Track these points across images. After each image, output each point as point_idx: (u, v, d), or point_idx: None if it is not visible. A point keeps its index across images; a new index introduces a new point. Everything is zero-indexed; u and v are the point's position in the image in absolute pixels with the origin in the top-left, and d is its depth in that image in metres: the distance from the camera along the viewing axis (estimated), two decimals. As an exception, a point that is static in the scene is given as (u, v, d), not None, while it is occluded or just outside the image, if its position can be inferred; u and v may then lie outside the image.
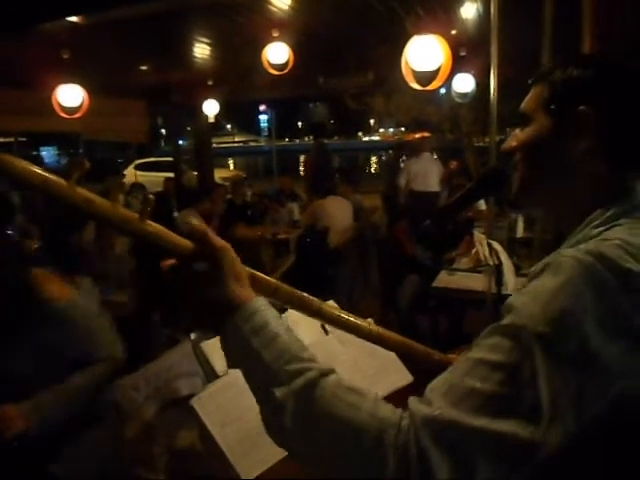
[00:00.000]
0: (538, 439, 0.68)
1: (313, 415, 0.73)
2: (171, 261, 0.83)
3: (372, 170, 29.81)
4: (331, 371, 0.76)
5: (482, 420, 0.68)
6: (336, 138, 42.90)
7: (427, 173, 7.22)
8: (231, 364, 0.81)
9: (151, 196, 7.84)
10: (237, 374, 1.57)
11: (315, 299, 0.99)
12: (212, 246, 0.81)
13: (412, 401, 0.73)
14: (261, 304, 0.81)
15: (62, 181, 0.75)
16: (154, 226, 0.81)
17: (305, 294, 0.97)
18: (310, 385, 0.73)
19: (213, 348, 1.60)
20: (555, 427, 0.68)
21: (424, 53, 3.95)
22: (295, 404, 0.73)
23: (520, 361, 0.70)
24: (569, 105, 0.92)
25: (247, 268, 0.87)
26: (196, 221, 0.88)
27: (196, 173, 10.50)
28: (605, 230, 0.84)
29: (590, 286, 0.72)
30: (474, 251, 1.96)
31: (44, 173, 0.74)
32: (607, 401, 0.71)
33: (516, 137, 0.99)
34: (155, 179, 13.31)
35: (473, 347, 0.76)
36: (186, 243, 0.82)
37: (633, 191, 0.88)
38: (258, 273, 0.90)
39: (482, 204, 4.74)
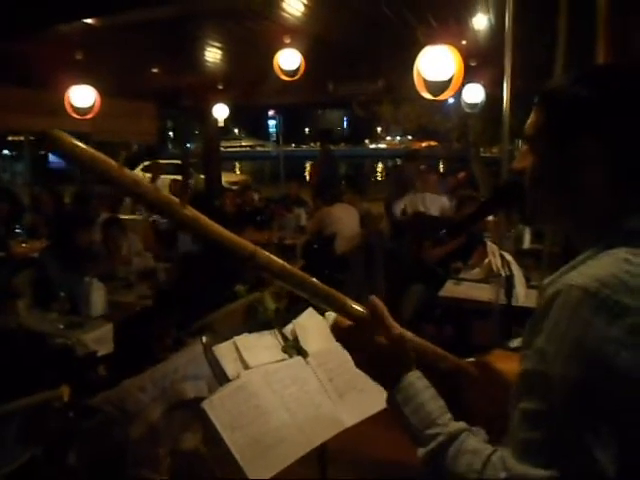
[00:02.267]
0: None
1: (441, 471, 0.89)
2: (348, 322, 1.03)
3: (378, 178, 29.79)
4: (460, 431, 0.90)
5: (538, 471, 0.76)
6: (343, 145, 42.91)
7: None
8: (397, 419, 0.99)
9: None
10: (248, 378, 1.58)
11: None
12: (385, 327, 1.03)
13: (498, 459, 0.83)
14: (413, 378, 0.98)
15: (111, 161, 0.80)
16: (192, 211, 0.88)
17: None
18: (440, 448, 0.90)
19: (225, 351, 1.61)
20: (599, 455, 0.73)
21: (436, 63, 3.96)
22: (431, 462, 0.91)
23: (552, 408, 0.76)
24: (569, 135, 0.89)
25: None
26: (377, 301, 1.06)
27: (203, 176, 10.51)
28: (604, 255, 0.84)
29: (597, 311, 0.75)
30: (487, 261, 1.96)
31: (92, 150, 0.80)
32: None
33: (523, 157, 0.98)
34: (162, 181, 13.37)
35: (517, 393, 0.83)
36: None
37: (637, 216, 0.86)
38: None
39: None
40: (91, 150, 0.80)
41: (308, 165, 27.48)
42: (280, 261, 0.97)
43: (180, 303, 3.66)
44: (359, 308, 1.04)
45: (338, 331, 1.06)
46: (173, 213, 0.86)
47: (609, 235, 0.86)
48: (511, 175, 1.29)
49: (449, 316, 4.48)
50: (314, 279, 1.01)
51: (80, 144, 0.80)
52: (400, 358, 1.02)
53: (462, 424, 0.92)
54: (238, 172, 26.39)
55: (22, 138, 9.87)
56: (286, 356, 1.69)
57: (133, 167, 15.71)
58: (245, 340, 1.67)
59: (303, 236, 6.47)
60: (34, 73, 6.20)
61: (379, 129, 41.87)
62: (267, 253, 0.95)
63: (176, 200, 0.86)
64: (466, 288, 4.11)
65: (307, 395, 1.62)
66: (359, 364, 1.05)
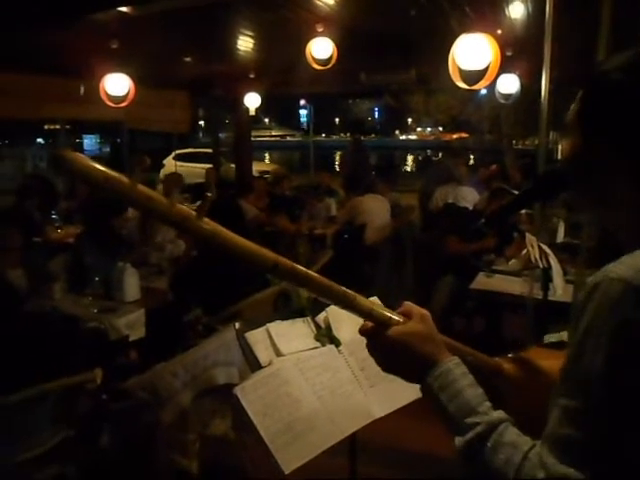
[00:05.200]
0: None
1: (478, 462, 0.86)
2: (368, 324, 1.01)
3: (408, 169, 29.57)
4: (499, 422, 0.87)
5: (580, 472, 0.73)
6: (373, 136, 42.66)
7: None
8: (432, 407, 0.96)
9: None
10: (281, 365, 1.59)
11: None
12: (416, 313, 1.01)
13: (537, 457, 0.79)
14: (451, 364, 0.96)
15: (124, 178, 0.77)
16: (211, 224, 0.84)
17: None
18: (479, 438, 0.87)
19: (257, 338, 1.62)
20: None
21: (472, 52, 3.89)
22: (468, 452, 0.88)
23: (594, 405, 0.74)
24: (596, 129, 0.86)
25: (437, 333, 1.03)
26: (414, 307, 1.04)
27: (234, 165, 10.56)
28: None
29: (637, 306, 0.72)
30: (524, 252, 1.93)
31: (106, 170, 0.76)
32: None
33: (567, 145, 0.95)
34: (193, 170, 13.47)
35: (557, 389, 0.80)
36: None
37: None
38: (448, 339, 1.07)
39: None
40: (105, 170, 0.76)
41: (338, 155, 27.41)
42: (304, 269, 0.94)
43: (201, 289, 3.69)
44: (387, 314, 1.02)
45: (364, 333, 1.02)
46: (190, 228, 0.82)
47: None
48: (550, 165, 1.25)
49: (480, 309, 4.44)
50: (341, 287, 0.98)
51: (95, 165, 0.76)
52: (433, 341, 0.99)
53: (502, 413, 0.90)
54: (267, 161, 26.43)
55: (58, 126, 10.01)
56: (319, 344, 1.69)
57: (165, 156, 15.88)
58: (278, 327, 1.67)
59: (333, 226, 6.46)
60: (69, 62, 6.27)
61: (410, 120, 41.48)
62: (290, 262, 0.92)
63: (193, 214, 0.82)
64: (498, 281, 4.06)
65: (338, 384, 1.62)
66: (387, 365, 1.02)
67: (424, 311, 1.03)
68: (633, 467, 0.71)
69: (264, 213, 6.23)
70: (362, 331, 1.01)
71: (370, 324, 1.01)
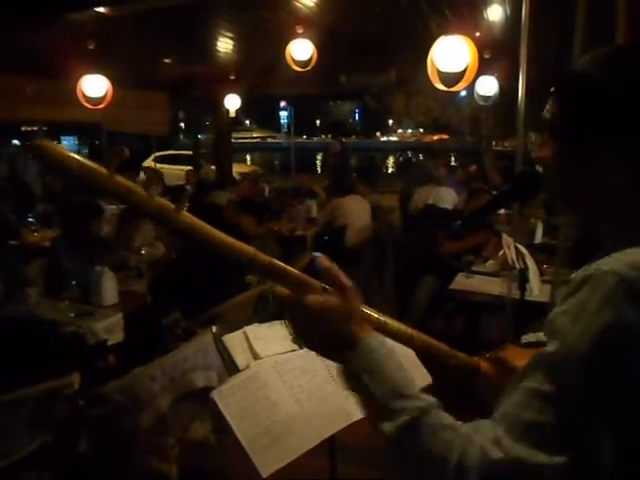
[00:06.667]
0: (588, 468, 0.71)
1: (411, 448, 0.80)
2: (286, 290, 0.91)
3: (389, 170, 29.70)
4: (431, 406, 0.82)
5: (542, 456, 0.70)
6: (354, 137, 42.77)
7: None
8: (349, 389, 0.89)
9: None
10: (259, 368, 1.58)
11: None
12: (342, 286, 0.91)
13: (487, 439, 0.75)
14: (376, 343, 0.88)
15: (102, 169, 0.78)
16: (189, 218, 0.84)
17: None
18: (412, 423, 0.80)
19: (235, 341, 1.61)
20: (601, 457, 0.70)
21: (451, 54, 3.92)
22: (399, 439, 0.80)
23: (568, 393, 0.71)
24: (582, 124, 0.85)
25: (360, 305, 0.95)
26: (325, 260, 0.94)
27: (214, 167, 10.52)
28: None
29: (632, 301, 0.71)
30: (501, 254, 1.94)
31: (81, 159, 0.77)
32: None
33: (543, 145, 0.94)
34: (173, 172, 13.40)
35: (526, 373, 0.77)
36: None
37: None
38: (367, 309, 0.98)
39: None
40: (81, 159, 0.77)
41: (319, 157, 27.45)
42: (282, 264, 0.92)
43: (180, 292, 3.67)
44: (320, 283, 0.93)
45: (280, 300, 0.93)
46: (168, 221, 0.83)
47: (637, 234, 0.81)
48: (527, 166, 1.26)
49: (459, 309, 4.46)
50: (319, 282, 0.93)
51: (71, 154, 0.76)
52: (357, 317, 0.90)
53: (434, 398, 0.83)
54: (249, 163, 26.38)
55: (35, 128, 9.89)
56: (296, 347, 1.69)
57: (145, 158, 15.76)
58: (255, 330, 1.67)
59: (314, 228, 6.46)
60: (46, 63, 6.19)
61: (390, 122, 41.69)
62: (267, 257, 0.91)
63: (171, 207, 0.83)
64: (477, 281, 4.09)
65: (317, 387, 1.61)
66: (306, 336, 0.93)
67: (350, 284, 0.93)
68: (595, 460, 0.70)
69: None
70: (281, 298, 0.92)
71: (287, 291, 0.92)
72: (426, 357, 1.18)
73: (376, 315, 1.00)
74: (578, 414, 0.71)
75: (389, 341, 0.97)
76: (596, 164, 0.85)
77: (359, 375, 0.86)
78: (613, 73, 0.84)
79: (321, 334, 0.90)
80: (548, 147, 0.93)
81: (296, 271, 0.94)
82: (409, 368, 1.64)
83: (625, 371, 0.70)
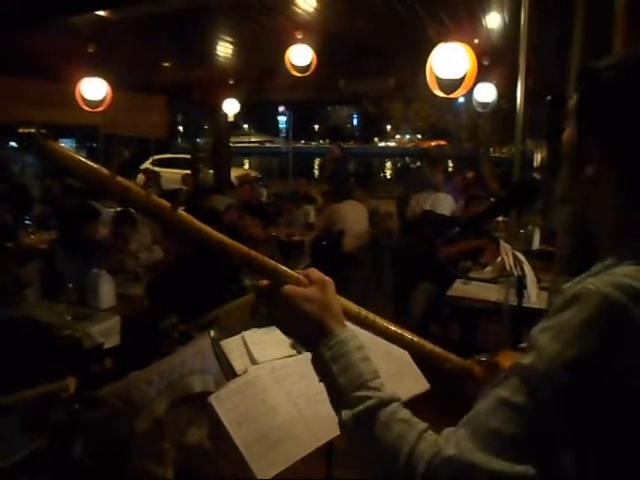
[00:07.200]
0: None
1: (364, 437, 0.84)
2: (265, 282, 0.97)
3: (387, 176, 29.74)
4: (391, 400, 0.85)
5: (501, 464, 0.71)
6: (352, 142, 42.82)
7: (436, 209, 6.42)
8: (319, 377, 0.93)
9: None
10: (257, 373, 1.57)
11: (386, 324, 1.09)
12: (320, 280, 0.96)
13: (443, 438, 0.78)
14: (346, 335, 0.92)
15: (104, 169, 0.81)
16: (185, 216, 0.88)
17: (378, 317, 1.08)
18: (368, 412, 0.84)
19: (232, 346, 1.61)
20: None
21: (450, 60, 3.94)
22: (354, 426, 0.85)
23: (538, 407, 0.72)
24: (584, 127, 0.86)
25: (338, 297, 0.99)
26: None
27: (212, 171, 10.53)
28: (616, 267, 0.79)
29: (613, 324, 0.71)
30: (499, 260, 1.95)
31: (86, 160, 0.81)
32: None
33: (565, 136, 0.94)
34: (171, 175, 13.40)
35: (500, 382, 0.78)
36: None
37: None
38: (347, 302, 1.02)
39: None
40: (84, 160, 0.81)
41: (317, 162, 27.49)
42: (275, 263, 0.96)
43: (177, 296, 3.66)
44: (294, 273, 0.98)
45: (260, 289, 0.98)
46: (166, 219, 0.86)
47: (625, 247, 0.81)
48: (526, 173, 1.27)
49: (457, 316, 4.46)
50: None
51: (75, 154, 0.80)
52: (330, 309, 0.94)
53: (396, 394, 0.87)
54: (247, 167, 26.38)
55: (33, 130, 9.88)
56: (294, 352, 1.68)
57: (143, 161, 15.76)
58: (253, 335, 1.66)
59: (311, 233, 6.46)
60: (45, 65, 6.20)
61: (389, 127, 41.75)
62: (263, 257, 0.94)
63: (168, 205, 0.86)
64: (475, 288, 4.09)
65: (315, 392, 1.61)
66: (280, 323, 0.98)
67: (326, 278, 0.98)
68: (557, 472, 0.71)
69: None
70: (258, 288, 0.98)
71: (266, 282, 0.97)
72: (421, 361, 1.18)
73: (355, 308, 1.04)
74: (545, 428, 0.71)
75: (365, 336, 0.99)
76: (601, 161, 0.84)
77: (327, 363, 0.90)
78: (620, 75, 0.84)
79: (296, 321, 0.94)
80: (566, 138, 0.92)
81: (284, 267, 0.97)
82: (405, 370, 1.64)
83: (597, 393, 0.71)
